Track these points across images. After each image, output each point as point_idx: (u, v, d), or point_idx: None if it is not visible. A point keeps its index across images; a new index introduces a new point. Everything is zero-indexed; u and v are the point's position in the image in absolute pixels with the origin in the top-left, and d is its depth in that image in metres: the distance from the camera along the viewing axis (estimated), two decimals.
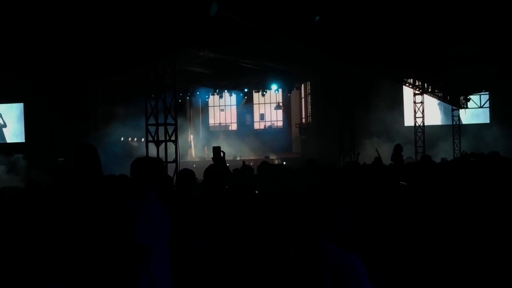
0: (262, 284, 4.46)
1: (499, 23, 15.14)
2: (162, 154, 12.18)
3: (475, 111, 27.22)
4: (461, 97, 26.38)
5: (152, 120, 12.41)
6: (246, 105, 33.69)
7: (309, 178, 7.24)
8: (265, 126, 34.41)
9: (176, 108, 12.69)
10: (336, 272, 2.55)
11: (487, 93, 26.92)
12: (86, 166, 4.05)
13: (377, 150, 11.28)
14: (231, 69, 25.09)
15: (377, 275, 3.03)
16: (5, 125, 25.90)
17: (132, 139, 25.30)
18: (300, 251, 2.76)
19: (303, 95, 32.29)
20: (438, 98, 24.80)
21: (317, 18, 12.28)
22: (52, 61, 18.77)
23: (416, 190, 6.13)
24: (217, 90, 30.80)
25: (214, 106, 34.98)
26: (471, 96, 26.75)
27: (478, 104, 27.21)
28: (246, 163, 13.66)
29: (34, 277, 4.19)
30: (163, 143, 12.29)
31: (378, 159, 10.80)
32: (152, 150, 12.35)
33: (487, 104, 27.21)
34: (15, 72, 19.96)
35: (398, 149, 12.41)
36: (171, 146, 12.41)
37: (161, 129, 12.33)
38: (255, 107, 34.29)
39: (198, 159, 28.71)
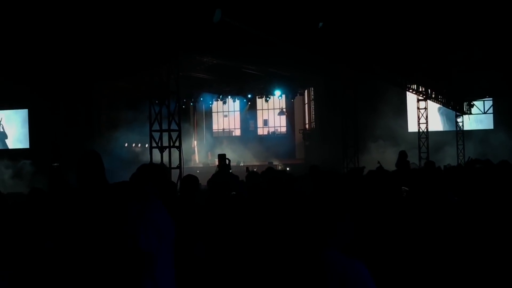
0: None
1: (502, 29, 15.14)
2: (166, 160, 12.20)
3: (478, 117, 27.16)
4: (465, 103, 26.32)
5: (156, 126, 12.42)
6: (249, 111, 33.72)
7: (313, 184, 7.23)
8: (268, 132, 34.43)
9: (180, 114, 12.71)
10: (343, 280, 2.54)
11: (491, 99, 26.87)
12: (90, 172, 4.05)
13: (379, 162, 11.25)
14: (234, 75, 25.13)
15: (382, 282, 3.02)
16: (5, 134, 25.96)
17: (136, 145, 25.32)
18: (305, 259, 2.76)
19: (306, 101, 32.30)
20: (442, 104, 24.75)
21: (320, 24, 12.30)
22: (56, 67, 18.83)
23: (419, 196, 6.12)
24: (220, 96, 30.83)
25: (217, 112, 35.03)
26: (474, 102, 26.70)
27: (482, 110, 27.14)
28: (250, 169, 13.69)
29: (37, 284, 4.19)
30: (167, 149, 12.31)
31: (380, 167, 10.77)
32: (156, 156, 12.37)
33: (491, 110, 27.14)
34: (20, 78, 20.04)
35: (403, 156, 12.37)
36: (175, 152, 12.43)
37: (165, 135, 12.35)
38: (259, 113, 34.32)
39: (201, 165, 28.73)
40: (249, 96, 31.07)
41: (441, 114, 27.55)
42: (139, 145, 24.97)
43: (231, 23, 10.67)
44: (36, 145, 24.08)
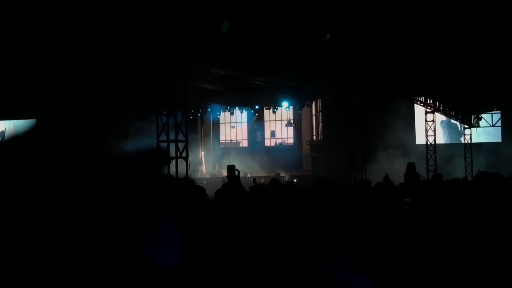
0: None
1: (510, 41, 15.11)
2: (173, 171, 12.19)
3: (485, 130, 27.07)
4: (473, 116, 26.26)
5: (163, 137, 12.43)
6: (257, 122, 33.75)
7: (320, 196, 7.20)
8: (275, 143, 34.42)
9: (187, 124, 12.72)
10: None
11: (499, 111, 26.79)
12: (99, 181, 4.05)
13: (386, 174, 11.17)
14: (242, 86, 25.16)
15: None
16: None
17: None
18: (309, 270, 2.73)
19: (314, 112, 32.29)
20: (450, 116, 24.69)
21: (328, 36, 12.31)
22: (64, 77, 18.92)
23: (422, 207, 6.07)
24: (228, 107, 30.88)
25: (225, 123, 35.08)
26: (482, 115, 26.63)
27: (490, 123, 27.05)
28: (257, 180, 13.65)
29: None
30: (174, 160, 12.31)
31: (387, 178, 10.69)
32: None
33: (499, 123, 27.05)
34: (28, 88, 20.16)
35: (411, 168, 12.23)
36: (182, 163, 12.42)
37: (172, 146, 12.36)
38: (266, 124, 34.34)
39: (209, 176, 28.71)
40: (257, 107, 31.11)
41: (443, 127, 27.49)
42: None
43: (239, 34, 10.71)
44: (44, 154, 24.15)
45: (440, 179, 9.60)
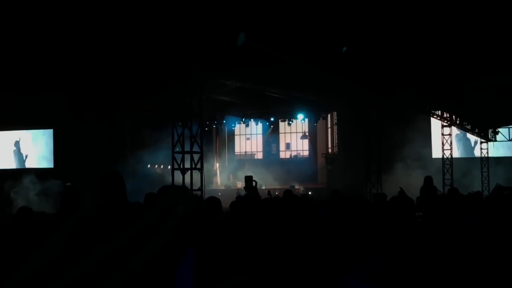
0: None
1: None
2: (187, 182, 12.19)
3: (503, 144, 26.79)
4: (490, 130, 26.01)
5: (178, 148, 12.46)
6: (272, 134, 33.72)
7: (336, 210, 7.14)
8: (290, 155, 34.35)
9: (202, 136, 12.74)
10: None
11: None
12: (111, 193, 4.04)
13: (401, 188, 11.07)
14: (257, 98, 25.20)
15: None
16: (22, 153, 26.41)
17: (159, 167, 25.42)
18: (324, 285, 2.69)
19: (329, 125, 32.21)
20: (466, 130, 24.50)
21: (344, 49, 12.29)
22: (81, 88, 19.09)
23: (438, 221, 6.00)
24: (243, 119, 30.90)
25: (240, 134, 35.09)
26: (499, 129, 26.36)
27: (507, 137, 26.78)
28: (272, 192, 13.60)
29: None
30: (189, 171, 12.31)
31: (402, 192, 10.59)
32: (178, 178, 12.38)
33: None
34: (46, 98, 20.37)
35: (428, 181, 12.10)
36: (196, 174, 12.43)
37: (188, 157, 12.37)
38: (281, 136, 34.30)
39: (223, 187, 28.70)
40: (272, 119, 31.08)
41: (458, 141, 27.26)
42: (162, 166, 25.07)
43: (255, 46, 10.73)
44: (60, 164, 24.38)
45: (456, 193, 9.50)
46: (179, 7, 10.33)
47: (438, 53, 14.17)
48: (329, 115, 31.57)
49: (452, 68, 15.75)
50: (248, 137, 35.15)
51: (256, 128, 34.10)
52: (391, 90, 17.09)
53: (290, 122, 31.02)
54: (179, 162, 12.42)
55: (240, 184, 26.70)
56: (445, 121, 23.13)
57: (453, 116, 22.89)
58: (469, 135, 26.61)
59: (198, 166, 12.39)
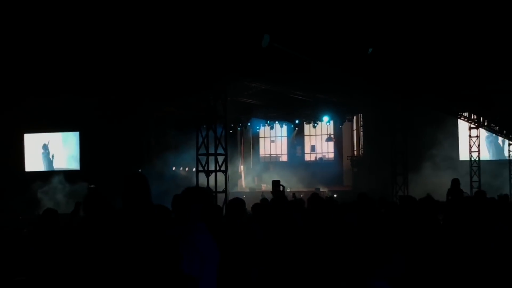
0: None
1: None
2: (212, 184, 12.21)
3: None
4: None
5: (202, 150, 12.47)
6: (297, 136, 33.62)
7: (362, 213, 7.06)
8: (315, 158, 34.21)
9: (226, 138, 12.75)
10: None
11: None
12: (135, 194, 4.04)
13: (428, 194, 10.99)
14: (282, 100, 25.10)
15: None
16: (51, 155, 26.77)
17: (184, 169, 25.53)
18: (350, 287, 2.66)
19: (355, 127, 32.01)
20: (495, 132, 24.09)
21: (370, 50, 12.18)
22: (108, 91, 19.25)
23: (461, 224, 5.89)
24: (268, 121, 30.88)
25: (265, 137, 35.08)
26: None
27: None
28: (296, 195, 13.55)
29: None
30: (213, 173, 12.32)
31: (429, 196, 10.47)
32: (202, 180, 12.39)
33: None
34: (73, 101, 20.61)
35: (455, 184, 12.02)
36: (221, 176, 12.43)
37: (212, 159, 12.38)
38: (306, 138, 34.19)
39: (248, 190, 28.70)
40: (297, 121, 30.97)
41: (490, 143, 26.79)
42: (187, 168, 25.16)
43: (280, 48, 10.68)
44: (87, 167, 24.67)
45: (483, 196, 9.38)
46: (205, 10, 10.35)
47: (465, 53, 13.96)
48: (354, 117, 31.36)
49: (479, 69, 15.50)
50: (273, 140, 35.12)
51: (281, 131, 34.06)
52: (417, 91, 16.88)
53: (315, 125, 30.87)
54: (203, 164, 12.44)
55: (265, 187, 26.68)
56: (473, 122, 22.79)
57: (481, 118, 22.53)
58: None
59: (223, 168, 12.39)
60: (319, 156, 34.22)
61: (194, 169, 13.72)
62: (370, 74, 14.24)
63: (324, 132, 33.49)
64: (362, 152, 29.93)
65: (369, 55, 12.28)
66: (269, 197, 11.23)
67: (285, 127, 33.15)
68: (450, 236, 5.27)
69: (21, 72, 15.92)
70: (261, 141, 35.28)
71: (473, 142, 23.93)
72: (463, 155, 25.22)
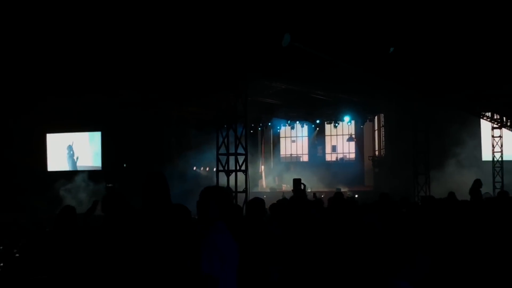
0: None
1: None
2: (232, 184, 12.21)
3: None
4: None
5: (223, 150, 12.49)
6: (318, 136, 33.50)
7: (383, 213, 7.01)
8: (337, 158, 34.05)
9: (246, 138, 12.74)
10: None
11: None
12: (154, 194, 4.04)
13: (451, 192, 10.94)
14: (303, 100, 25.05)
15: None
16: (73, 154, 27.02)
17: (204, 169, 25.60)
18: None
19: (376, 127, 31.79)
20: None
21: (392, 49, 12.08)
22: (128, 92, 19.39)
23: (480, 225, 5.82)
24: (288, 121, 30.82)
25: (285, 137, 35.02)
26: None
27: None
28: (317, 195, 13.51)
29: None
30: (233, 173, 12.32)
31: (452, 194, 10.42)
32: (223, 180, 12.41)
33: None
34: (94, 102, 20.80)
35: (477, 184, 11.98)
36: (241, 176, 12.43)
37: (232, 159, 12.39)
38: (327, 138, 34.05)
39: (268, 190, 28.67)
40: (318, 121, 30.87)
41: None
42: (207, 168, 25.23)
43: (300, 48, 10.65)
44: (108, 166, 24.89)
45: (506, 196, 9.30)
46: (225, 10, 10.36)
47: (488, 53, 13.79)
48: (376, 117, 31.14)
49: (502, 68, 15.30)
50: (294, 140, 35.04)
51: (301, 131, 33.98)
52: (440, 91, 16.71)
53: (336, 125, 30.74)
54: (223, 164, 12.45)
55: (285, 187, 26.63)
56: (495, 122, 22.51)
57: (504, 118, 22.24)
58: None
59: (243, 168, 12.39)
60: (340, 156, 34.06)
61: (214, 169, 13.77)
62: (393, 73, 14.12)
63: (345, 132, 33.32)
64: (384, 152, 29.71)
65: (391, 54, 12.19)
66: (290, 196, 11.21)
67: (306, 127, 33.06)
68: (471, 236, 5.21)
69: (41, 73, 16.12)
70: (282, 141, 35.23)
71: (496, 142, 23.62)
72: (486, 155, 24.91)
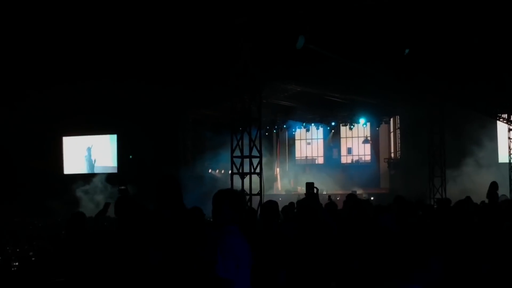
0: None
1: None
2: (246, 186, 12.22)
3: None
4: None
5: (237, 153, 12.50)
6: (333, 138, 33.37)
7: (398, 215, 6.98)
8: (352, 160, 33.90)
9: (261, 140, 12.73)
10: None
11: None
12: (167, 196, 4.07)
13: (468, 197, 10.89)
14: (318, 102, 25.01)
15: None
16: (92, 159, 27.15)
17: (220, 171, 25.62)
18: None
19: (392, 129, 31.61)
20: None
21: (407, 51, 12.04)
22: (144, 94, 19.51)
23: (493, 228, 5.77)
24: (304, 124, 30.75)
25: (300, 139, 34.93)
26: None
27: None
28: (332, 197, 13.45)
29: None
30: (248, 175, 12.32)
31: (468, 198, 10.35)
32: (237, 182, 12.41)
33: None
34: (110, 105, 20.95)
35: (493, 187, 11.88)
36: (256, 179, 12.43)
37: (247, 162, 12.40)
38: (342, 140, 33.89)
39: (284, 192, 28.62)
40: (333, 123, 30.77)
41: None
42: (223, 171, 25.25)
43: (315, 50, 10.65)
44: (124, 169, 25.01)
45: None
46: (238, 12, 10.40)
47: (504, 55, 13.70)
48: (391, 119, 30.97)
49: None
50: (309, 142, 34.93)
51: (317, 133, 33.86)
52: (455, 93, 16.60)
53: (352, 127, 30.63)
54: (238, 167, 12.46)
55: (300, 189, 26.57)
56: None
57: None
58: None
59: (257, 170, 12.39)
60: (355, 158, 33.90)
61: (229, 172, 13.79)
62: (408, 75, 14.06)
63: (361, 134, 33.14)
64: (399, 154, 29.54)
65: (407, 57, 12.15)
66: (297, 200, 11.19)
67: (321, 129, 32.94)
68: (486, 239, 5.16)
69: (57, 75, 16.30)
70: (297, 143, 35.12)
71: None
72: (502, 157, 24.64)
